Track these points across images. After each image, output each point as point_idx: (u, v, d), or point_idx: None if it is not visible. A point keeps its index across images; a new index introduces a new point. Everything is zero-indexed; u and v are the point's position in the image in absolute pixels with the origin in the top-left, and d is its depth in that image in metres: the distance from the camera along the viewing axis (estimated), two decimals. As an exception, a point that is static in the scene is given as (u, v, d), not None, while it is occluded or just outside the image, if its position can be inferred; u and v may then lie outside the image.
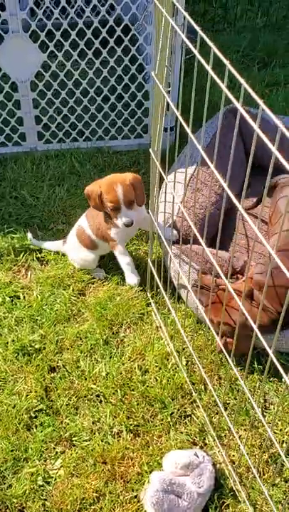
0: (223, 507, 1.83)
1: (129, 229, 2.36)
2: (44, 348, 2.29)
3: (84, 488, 1.87)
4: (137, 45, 3.02)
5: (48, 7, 2.87)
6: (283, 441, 1.97)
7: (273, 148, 1.02)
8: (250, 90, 1.04)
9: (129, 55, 3.02)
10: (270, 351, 1.37)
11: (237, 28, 4.64)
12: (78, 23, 2.87)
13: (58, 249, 2.67)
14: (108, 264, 2.65)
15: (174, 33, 2.69)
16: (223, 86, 1.15)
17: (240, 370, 2.16)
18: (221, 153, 1.50)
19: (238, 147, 2.87)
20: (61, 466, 1.94)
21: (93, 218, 2.48)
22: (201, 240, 1.67)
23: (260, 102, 1.00)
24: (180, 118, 1.56)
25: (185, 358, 2.25)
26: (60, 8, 2.84)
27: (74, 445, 1.99)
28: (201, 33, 1.23)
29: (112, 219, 2.36)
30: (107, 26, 2.90)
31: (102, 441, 1.99)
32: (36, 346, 2.30)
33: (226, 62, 1.11)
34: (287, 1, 4.89)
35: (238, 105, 1.11)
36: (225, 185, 1.31)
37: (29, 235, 2.69)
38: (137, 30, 3.04)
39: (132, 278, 2.47)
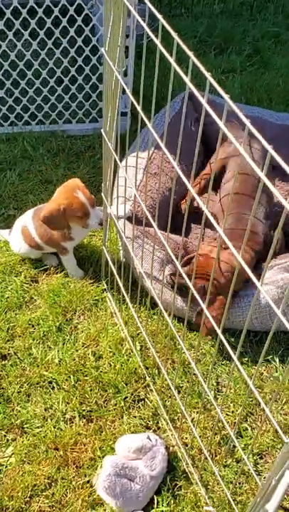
0: (175, 489, 1.83)
1: (84, 232, 2.37)
2: (-5, 336, 2.24)
3: (36, 475, 1.84)
4: (90, 26, 2.96)
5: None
6: (234, 422, 1.99)
7: (221, 123, 1.00)
8: (197, 62, 1.02)
9: (83, 36, 2.95)
10: (219, 331, 1.37)
11: (194, 14, 4.61)
12: (29, 2, 2.79)
13: (4, 238, 2.60)
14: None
15: (129, 14, 2.67)
16: (171, 60, 1.13)
17: (193, 353, 2.17)
18: (176, 139, 1.48)
19: (194, 134, 2.86)
20: (12, 454, 1.90)
21: (40, 224, 2.35)
22: (153, 222, 1.65)
23: (207, 74, 0.98)
24: (132, 99, 1.53)
25: (139, 343, 2.24)
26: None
27: (26, 432, 1.95)
28: (149, 5, 1.20)
29: (68, 231, 2.31)
30: (59, 5, 2.82)
31: (54, 427, 1.96)
32: (-14, 333, 2.24)
33: (175, 36, 1.08)
34: (243, -12, 4.90)
35: (187, 80, 1.09)
36: (175, 164, 1.29)
37: None
38: (90, 10, 2.98)
39: (77, 272, 2.48)
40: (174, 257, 1.57)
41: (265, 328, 2.19)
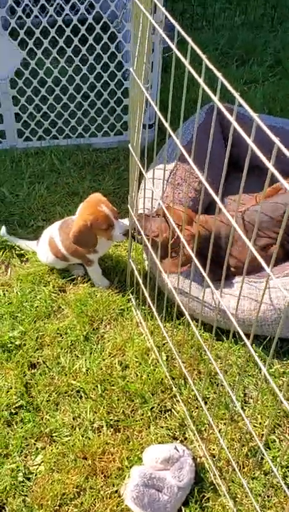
0: (203, 501, 1.84)
1: (107, 244, 2.44)
2: (24, 345, 2.28)
3: (64, 484, 1.87)
4: (116, 43, 3.03)
5: (27, 5, 2.86)
6: (262, 434, 2.00)
7: (249, 140, 1.04)
8: (225, 82, 1.06)
9: (109, 53, 3.02)
10: (248, 343, 1.39)
11: (215, 26, 4.67)
12: (57, 21, 2.87)
13: (32, 249, 2.66)
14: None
15: (152, 30, 2.72)
16: (200, 80, 1.17)
17: (220, 364, 2.18)
18: (200, 151, 1.52)
19: (218, 146, 2.89)
20: (42, 462, 1.94)
21: (67, 235, 2.40)
22: (180, 234, 1.68)
23: (235, 94, 1.02)
24: (158, 113, 1.57)
25: (165, 353, 2.26)
26: (39, 6, 2.84)
27: (54, 441, 1.99)
28: (178, 27, 1.24)
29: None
30: (86, 24, 2.90)
31: (82, 436, 1.99)
32: (16, 343, 2.29)
33: (203, 56, 1.12)
34: (264, 0, 4.94)
35: (215, 99, 1.13)
36: (202, 178, 1.32)
37: (3, 230, 2.67)
38: (116, 28, 3.04)
39: (103, 282, 2.53)
40: (201, 269, 1.59)
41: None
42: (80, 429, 2.02)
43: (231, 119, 1.11)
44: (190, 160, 1.40)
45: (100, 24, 2.92)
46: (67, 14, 2.87)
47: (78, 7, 2.89)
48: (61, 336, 2.34)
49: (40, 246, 2.57)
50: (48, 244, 2.51)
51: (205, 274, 1.57)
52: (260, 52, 4.29)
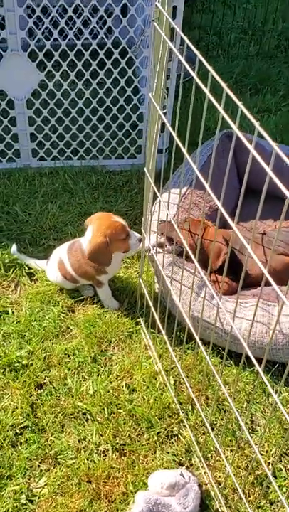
0: (208, 529, 1.81)
1: (117, 265, 2.47)
2: (31, 365, 2.28)
3: (68, 508, 1.85)
4: (133, 68, 3.08)
5: (46, 28, 2.92)
6: (269, 462, 1.97)
7: (268, 169, 1.05)
8: (246, 111, 1.07)
9: (126, 78, 3.07)
10: (259, 369, 1.38)
11: (230, 55, 4.74)
12: (76, 45, 2.92)
13: (42, 268, 2.67)
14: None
15: (171, 57, 2.77)
16: (220, 108, 1.18)
17: (228, 390, 2.16)
18: (214, 176, 1.53)
19: (232, 173, 2.92)
20: (45, 485, 1.91)
21: (77, 259, 2.43)
22: (192, 256, 1.69)
23: (255, 123, 1.03)
24: (176, 138, 1.59)
25: (173, 377, 2.25)
26: (58, 29, 2.90)
27: (59, 463, 1.97)
28: (199, 55, 1.26)
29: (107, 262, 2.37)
30: (105, 48, 2.95)
31: (87, 459, 1.97)
32: (24, 362, 2.28)
33: (224, 84, 1.14)
34: (278, 31, 5.02)
35: (234, 126, 1.14)
36: (219, 204, 1.33)
37: (13, 248, 2.69)
38: (133, 53, 3.10)
39: (112, 303, 2.53)
40: (211, 289, 1.59)
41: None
42: (85, 452, 2.00)
43: (250, 147, 1.12)
44: (206, 184, 1.41)
45: (119, 49, 2.97)
46: (86, 38, 2.93)
47: (97, 32, 2.94)
48: (69, 356, 2.33)
49: (49, 265, 2.58)
50: (57, 265, 2.52)
51: (215, 294, 1.57)
52: (274, 82, 4.34)
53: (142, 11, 2.96)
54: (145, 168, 2.05)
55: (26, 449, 2.00)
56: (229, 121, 1.19)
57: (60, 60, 2.95)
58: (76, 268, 2.45)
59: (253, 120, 1.08)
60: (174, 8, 2.60)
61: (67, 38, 2.91)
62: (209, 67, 1.21)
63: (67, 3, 2.83)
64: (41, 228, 2.92)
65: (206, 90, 1.26)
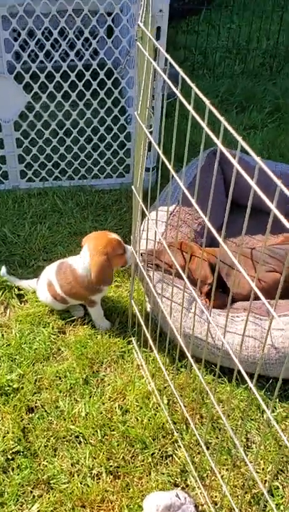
0: None
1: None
2: (22, 388, 2.24)
3: (62, 534, 1.81)
4: (119, 88, 3.10)
5: (32, 50, 2.94)
6: (266, 480, 1.94)
7: (252, 182, 1.04)
8: (228, 127, 1.08)
9: (112, 98, 3.10)
10: (251, 385, 1.37)
11: (216, 74, 4.80)
12: (62, 66, 2.95)
13: (33, 288, 2.65)
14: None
15: (155, 77, 2.79)
16: (203, 124, 1.19)
17: (222, 408, 2.14)
18: (202, 192, 1.53)
19: (219, 189, 2.93)
20: (38, 511, 1.87)
21: (67, 281, 2.41)
22: (182, 273, 1.68)
23: (238, 138, 1.03)
24: (162, 156, 1.59)
25: (166, 396, 2.22)
26: (44, 51, 2.92)
27: (52, 488, 1.93)
28: (181, 72, 1.27)
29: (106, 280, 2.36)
30: (91, 70, 2.97)
31: (81, 483, 1.93)
32: (14, 386, 2.25)
33: (206, 101, 1.14)
34: (263, 50, 5.09)
35: (218, 142, 1.15)
36: (206, 219, 1.33)
37: (3, 270, 2.66)
38: (119, 74, 3.13)
39: (104, 323, 2.51)
40: (200, 304, 1.58)
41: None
42: (78, 475, 1.96)
43: (234, 161, 1.13)
44: (193, 201, 1.41)
45: (104, 70, 3.00)
46: (72, 60, 2.95)
47: (83, 53, 2.97)
48: (60, 378, 2.30)
49: (39, 285, 2.56)
50: (46, 287, 2.50)
51: (205, 309, 1.56)
52: (260, 100, 4.39)
53: (126, 32, 2.99)
54: (133, 187, 2.05)
55: (18, 474, 1.96)
56: (213, 137, 1.19)
57: (47, 82, 2.97)
58: (67, 290, 2.43)
59: (236, 135, 1.08)
60: (158, 28, 2.63)
61: (53, 60, 2.93)
62: (192, 84, 1.21)
63: (52, 26, 2.85)
64: (30, 249, 2.91)
65: (190, 107, 1.27)
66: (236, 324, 2.21)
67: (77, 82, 2.99)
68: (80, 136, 3.23)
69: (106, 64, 3.02)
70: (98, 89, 3.04)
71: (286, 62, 5.01)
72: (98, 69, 2.98)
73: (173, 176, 1.59)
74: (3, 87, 2.95)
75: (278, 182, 1.01)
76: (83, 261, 2.34)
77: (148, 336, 2.24)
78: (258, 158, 1.01)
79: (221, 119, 1.09)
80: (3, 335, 2.47)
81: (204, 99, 1.20)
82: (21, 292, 2.68)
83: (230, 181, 1.12)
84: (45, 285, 2.50)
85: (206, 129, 1.19)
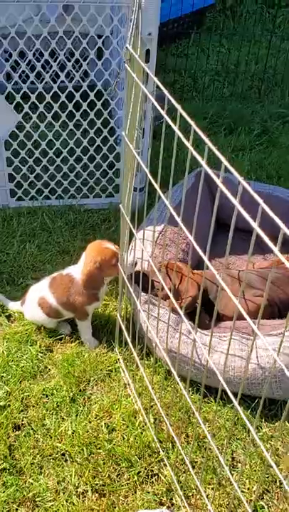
0: None
1: (105, 290, 2.49)
2: (9, 405, 2.24)
3: None
4: (109, 110, 3.16)
5: (23, 71, 2.99)
6: (251, 499, 1.94)
7: (235, 202, 1.07)
8: (212, 147, 1.11)
9: (102, 119, 3.14)
10: (235, 402, 1.38)
11: (205, 96, 4.89)
12: (53, 87, 2.99)
13: (17, 309, 2.66)
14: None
15: (144, 99, 2.84)
16: (188, 144, 1.22)
17: (208, 427, 2.14)
18: (188, 213, 1.56)
19: (206, 210, 2.96)
20: (23, 530, 1.86)
21: (65, 291, 2.43)
22: (168, 291, 1.70)
23: (223, 159, 1.06)
24: (149, 176, 1.63)
25: (153, 415, 2.22)
26: (35, 72, 2.97)
27: (37, 506, 1.91)
28: (168, 94, 1.31)
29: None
30: (81, 91, 3.02)
31: (66, 501, 1.92)
32: (1, 403, 2.24)
33: (192, 123, 1.18)
34: (251, 73, 5.20)
35: (203, 162, 1.18)
36: (191, 238, 1.35)
37: None
38: (109, 95, 3.18)
39: (92, 342, 2.52)
40: (187, 324, 1.60)
41: (285, 396, 2.18)
42: (64, 493, 1.95)
43: (218, 181, 1.16)
44: (179, 220, 1.44)
45: (94, 91, 3.05)
46: (62, 81, 3.00)
47: (73, 75, 3.02)
48: (47, 396, 2.29)
49: (27, 305, 2.56)
50: (37, 304, 2.50)
51: (191, 329, 1.57)
52: (248, 122, 4.47)
53: (116, 54, 3.06)
54: (120, 205, 2.08)
55: (4, 492, 1.94)
56: (197, 157, 1.22)
57: (37, 102, 3.01)
58: (63, 301, 2.44)
59: (219, 156, 1.11)
60: (148, 51, 2.69)
61: (44, 81, 2.98)
62: (177, 106, 1.25)
63: (43, 47, 2.91)
64: (19, 267, 2.92)
65: (176, 128, 1.30)
66: (223, 344, 2.23)
67: (67, 102, 3.04)
68: (69, 156, 3.26)
69: (96, 85, 3.08)
70: (88, 110, 3.09)
71: (274, 85, 5.12)
72: (88, 90, 3.03)
73: (160, 196, 1.62)
74: (-6, 107, 2.99)
75: (260, 201, 1.04)
76: (80, 267, 2.40)
77: (135, 354, 2.25)
78: (240, 178, 1.04)
79: (206, 140, 1.13)
80: (-10, 352, 2.47)
81: (189, 120, 1.23)
82: (10, 311, 2.68)
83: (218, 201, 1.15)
84: (35, 302, 2.50)
85: (191, 149, 1.22)
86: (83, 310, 2.45)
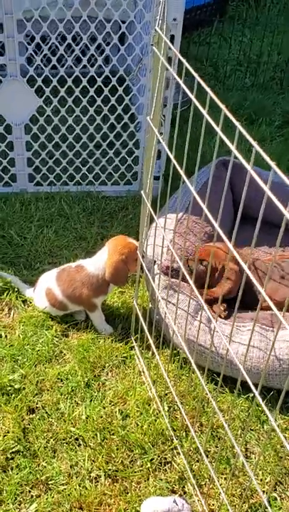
0: None
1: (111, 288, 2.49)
2: (24, 389, 2.24)
3: (58, 536, 1.80)
4: (130, 96, 3.13)
5: (45, 55, 2.97)
6: (264, 491, 1.93)
7: (266, 188, 1.05)
8: (243, 131, 1.09)
9: (123, 105, 3.12)
10: (256, 393, 1.37)
11: (226, 86, 4.83)
12: (74, 72, 2.97)
13: (32, 297, 2.66)
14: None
15: (168, 85, 2.82)
16: (217, 128, 1.20)
17: (223, 417, 2.13)
18: (210, 201, 1.54)
19: (227, 197, 2.94)
20: (36, 511, 1.86)
21: (71, 283, 2.44)
22: (188, 277, 1.69)
23: (254, 143, 1.04)
24: (173, 160, 1.61)
25: (167, 403, 2.22)
26: (57, 57, 2.95)
27: (50, 489, 1.92)
28: (198, 77, 1.29)
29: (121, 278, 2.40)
30: (103, 76, 3.00)
31: (79, 485, 1.93)
32: (16, 386, 2.25)
33: (222, 106, 1.16)
34: (274, 64, 5.13)
35: (232, 147, 1.16)
36: (216, 225, 1.34)
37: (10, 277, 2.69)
38: (131, 81, 3.15)
39: (106, 328, 2.52)
40: (208, 313, 1.59)
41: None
42: (77, 477, 1.96)
43: (248, 166, 1.14)
44: (204, 206, 1.42)
45: (116, 77, 3.02)
46: (84, 66, 2.98)
47: (95, 60, 2.99)
48: (62, 381, 2.30)
49: (37, 292, 2.57)
50: (45, 295, 2.51)
51: (212, 318, 1.56)
52: (269, 113, 4.41)
53: (139, 39, 3.02)
54: (142, 192, 2.06)
55: (17, 474, 1.95)
56: (227, 142, 1.20)
57: (58, 87, 3.00)
58: (69, 294, 2.44)
59: (251, 140, 1.09)
60: (172, 37, 2.66)
61: (66, 66, 2.96)
62: (207, 88, 1.23)
63: (66, 32, 2.88)
64: (36, 252, 2.92)
65: (204, 112, 1.28)
66: (242, 334, 2.21)
67: (88, 87, 3.01)
68: (89, 142, 3.25)
69: (118, 71, 3.04)
70: (109, 96, 3.06)
71: (296, 75, 5.05)
72: (110, 75, 3.01)
73: (184, 181, 1.60)
74: (15, 90, 2.98)
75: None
76: (98, 260, 2.40)
77: (150, 341, 2.24)
78: (273, 164, 1.02)
79: (237, 123, 1.10)
80: (6, 336, 2.48)
81: (220, 104, 1.21)
82: (26, 297, 2.68)
83: (238, 191, 1.13)
84: (43, 293, 2.51)
85: (221, 134, 1.20)
86: (90, 302, 2.45)
